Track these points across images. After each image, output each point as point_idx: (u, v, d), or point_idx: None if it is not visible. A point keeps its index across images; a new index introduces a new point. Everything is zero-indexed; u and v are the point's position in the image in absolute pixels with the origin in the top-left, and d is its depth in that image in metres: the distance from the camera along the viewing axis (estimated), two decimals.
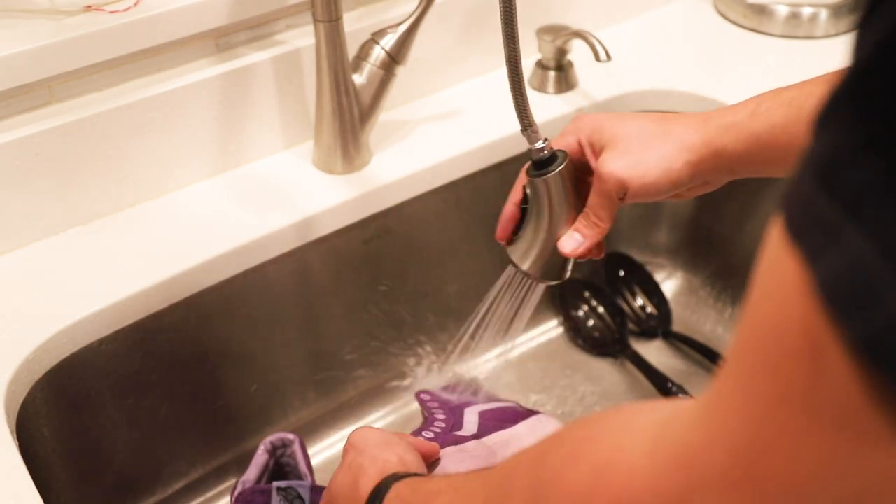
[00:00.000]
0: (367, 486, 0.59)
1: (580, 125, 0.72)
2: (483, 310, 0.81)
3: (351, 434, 0.66)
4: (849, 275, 0.26)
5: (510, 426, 0.80)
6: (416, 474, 0.61)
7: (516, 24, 0.66)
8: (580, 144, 0.71)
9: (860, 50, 0.26)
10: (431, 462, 0.69)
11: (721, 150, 0.65)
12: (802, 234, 0.27)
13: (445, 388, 0.89)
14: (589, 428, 0.41)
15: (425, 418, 0.82)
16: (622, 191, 0.67)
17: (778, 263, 0.28)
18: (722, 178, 0.69)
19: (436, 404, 0.84)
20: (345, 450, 0.66)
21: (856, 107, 0.26)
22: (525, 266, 0.74)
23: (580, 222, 0.71)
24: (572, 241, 0.71)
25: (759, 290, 0.30)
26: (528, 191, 0.72)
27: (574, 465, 0.39)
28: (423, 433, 0.77)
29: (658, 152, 0.66)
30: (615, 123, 0.69)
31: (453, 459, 0.71)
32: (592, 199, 0.69)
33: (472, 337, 0.83)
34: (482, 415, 0.81)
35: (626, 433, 0.37)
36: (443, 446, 0.72)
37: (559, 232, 0.71)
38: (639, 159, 0.66)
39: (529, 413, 0.83)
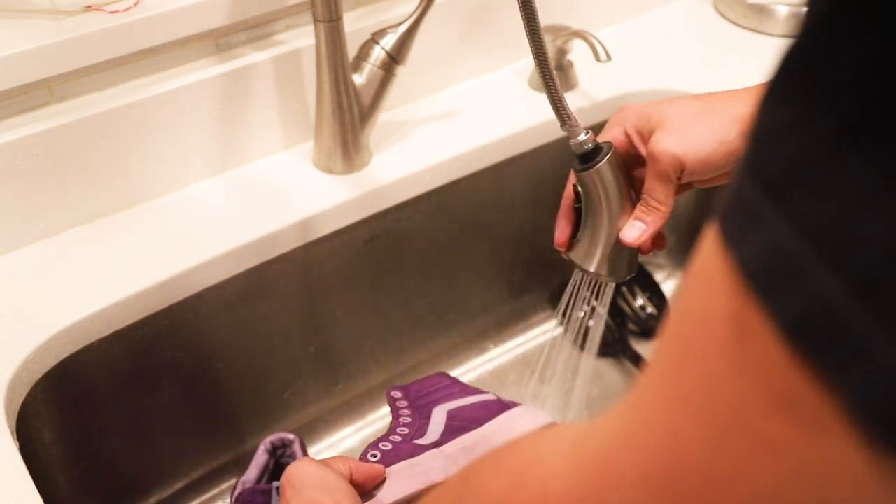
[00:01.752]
0: None
1: (625, 115, 0.70)
2: (557, 322, 0.79)
3: (289, 468, 0.63)
4: (770, 255, 0.25)
5: (477, 426, 0.76)
6: None
7: (539, 23, 0.65)
8: (627, 135, 0.70)
9: (793, 36, 0.26)
10: (377, 484, 0.68)
11: None
12: (725, 220, 0.27)
13: (423, 381, 0.86)
14: (517, 440, 0.41)
15: (392, 421, 0.81)
16: (679, 168, 0.66)
17: (705, 256, 0.27)
18: None
19: (405, 403, 0.81)
20: (282, 486, 0.63)
21: (781, 90, 0.26)
22: (591, 267, 0.71)
23: (639, 209, 0.69)
24: (634, 230, 0.69)
25: (685, 283, 0.29)
26: (579, 189, 0.70)
27: (497, 472, 0.38)
28: (381, 444, 0.74)
29: (709, 126, 0.65)
30: (660, 106, 0.68)
31: (401, 477, 0.68)
32: (649, 183, 0.67)
33: (552, 347, 0.81)
34: (451, 414, 0.78)
35: (548, 439, 0.37)
36: (398, 458, 0.70)
37: (619, 224, 0.69)
38: (691, 134, 0.65)
39: (505, 407, 0.79)
